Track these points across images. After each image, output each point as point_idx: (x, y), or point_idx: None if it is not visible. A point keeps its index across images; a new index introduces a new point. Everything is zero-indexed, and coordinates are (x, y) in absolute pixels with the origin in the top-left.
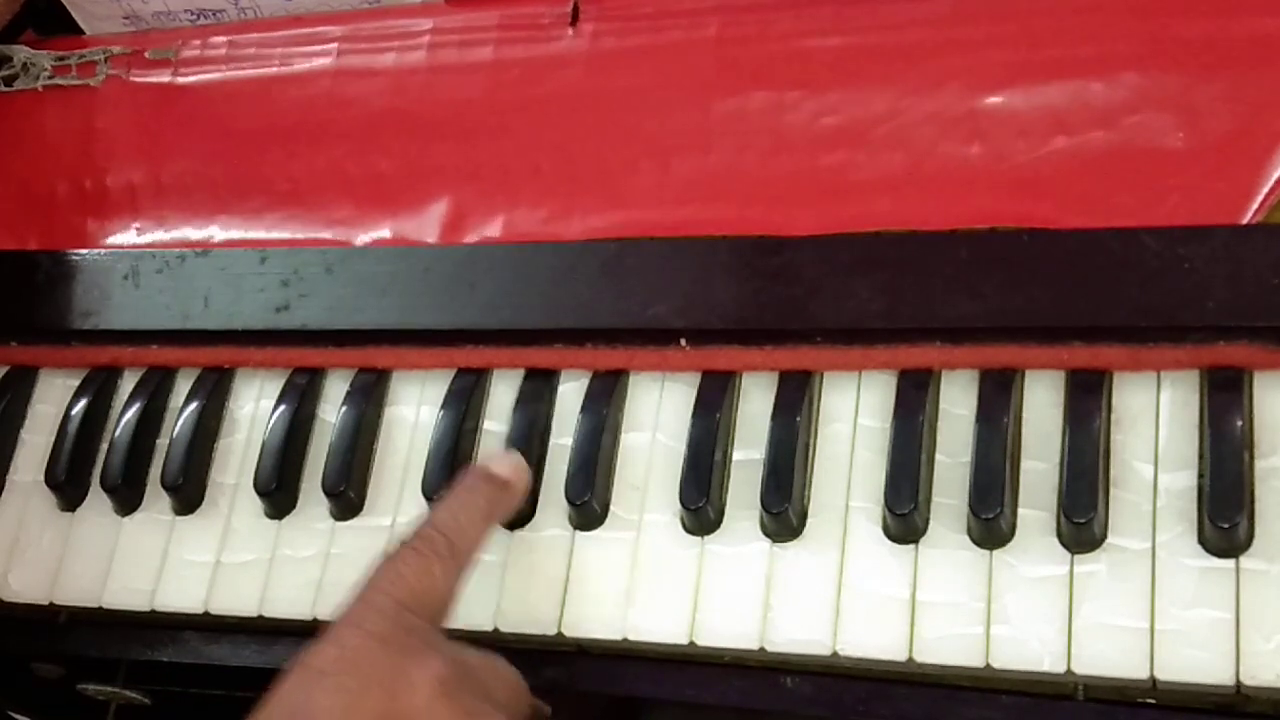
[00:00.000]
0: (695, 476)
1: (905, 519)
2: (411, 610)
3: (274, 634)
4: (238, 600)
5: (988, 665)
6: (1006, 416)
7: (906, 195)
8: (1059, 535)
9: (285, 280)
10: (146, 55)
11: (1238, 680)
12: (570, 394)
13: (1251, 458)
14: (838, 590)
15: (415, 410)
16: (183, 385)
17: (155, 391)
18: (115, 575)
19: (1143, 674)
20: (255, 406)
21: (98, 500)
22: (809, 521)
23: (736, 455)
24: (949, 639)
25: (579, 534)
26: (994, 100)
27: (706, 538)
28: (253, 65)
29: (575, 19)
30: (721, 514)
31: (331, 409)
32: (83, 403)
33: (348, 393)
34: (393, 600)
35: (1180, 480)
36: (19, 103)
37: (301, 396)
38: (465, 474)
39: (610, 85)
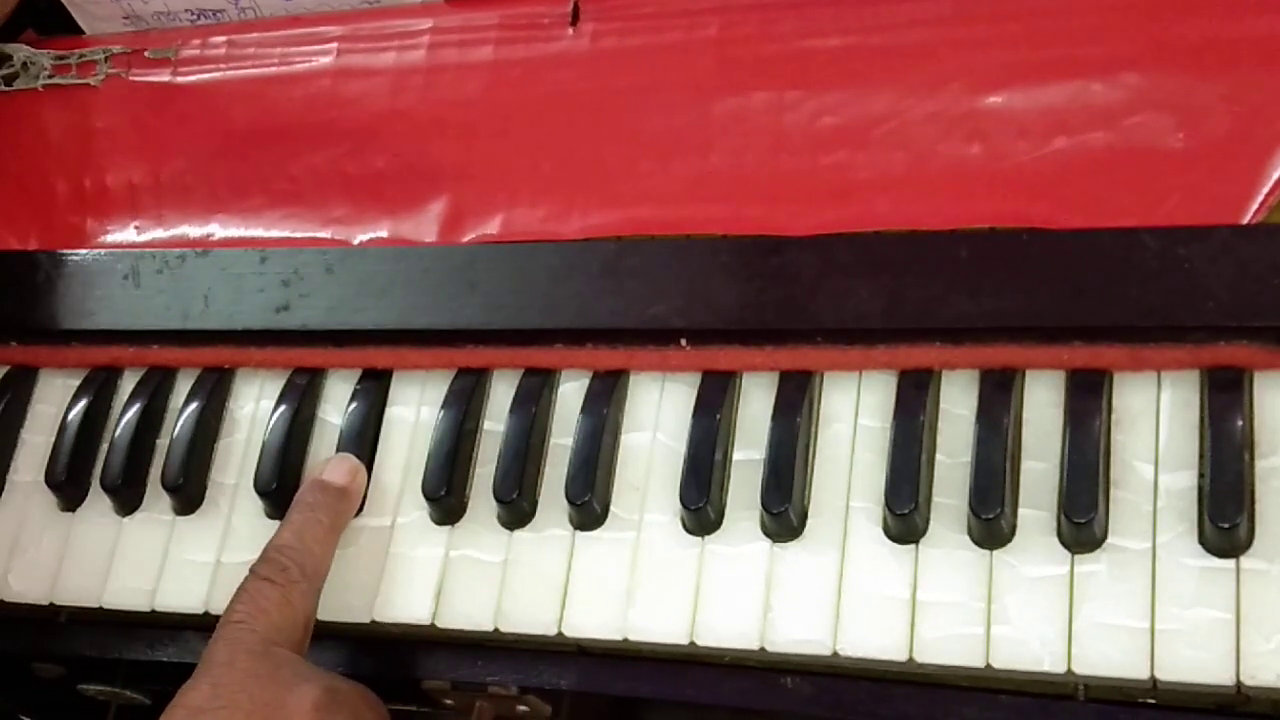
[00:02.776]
0: (695, 477)
1: (905, 519)
2: (277, 643)
3: None
4: None
5: (988, 665)
6: (1007, 416)
7: (907, 195)
8: (1059, 535)
9: (285, 280)
10: (146, 55)
11: (1238, 680)
12: (570, 394)
13: (1252, 458)
14: (838, 590)
15: (415, 410)
16: (183, 385)
17: (155, 391)
18: (115, 575)
19: (1143, 674)
20: (255, 406)
21: (98, 500)
22: (809, 522)
23: (737, 455)
24: (949, 639)
25: (579, 534)
26: (994, 100)
27: (707, 538)
28: (252, 65)
29: (575, 19)
30: (722, 514)
31: (332, 409)
32: (83, 403)
33: (348, 393)
34: (258, 636)
35: (1180, 480)
36: (19, 102)
37: (302, 397)
38: (303, 488)
39: (610, 85)
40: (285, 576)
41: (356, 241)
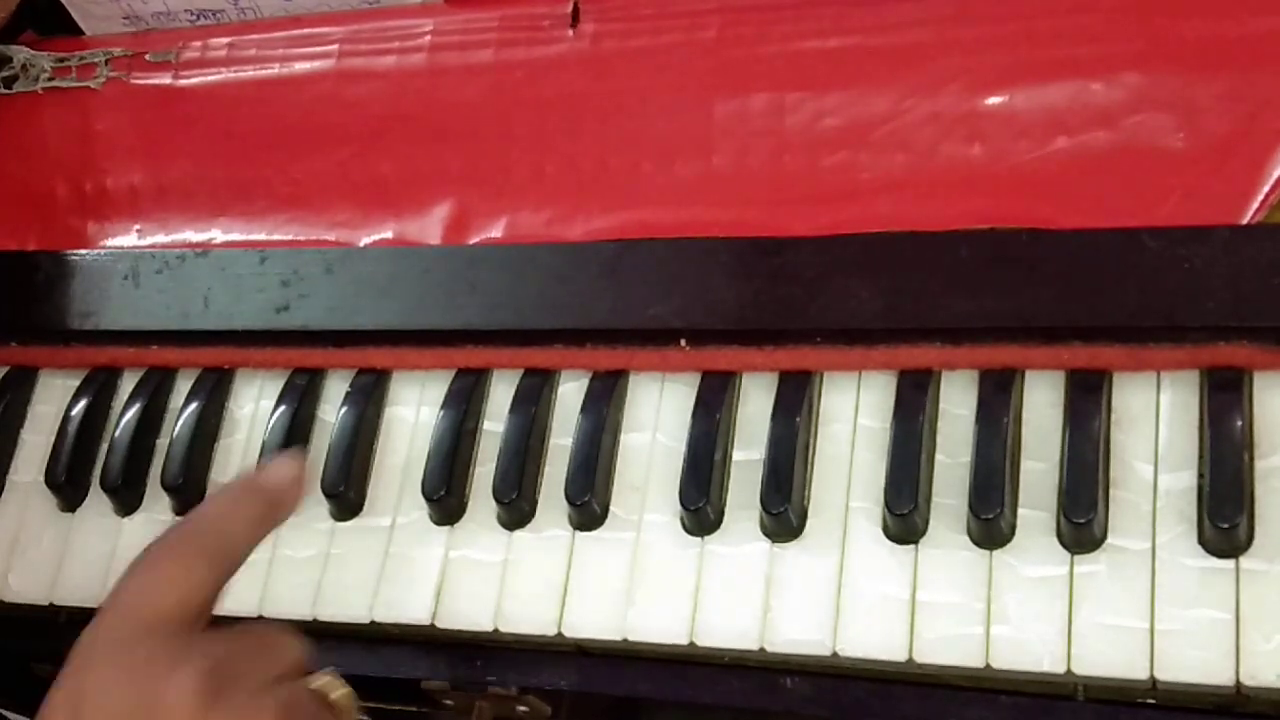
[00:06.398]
0: (695, 477)
1: (905, 519)
2: (160, 623)
3: None
4: (237, 601)
5: (988, 665)
6: (1006, 417)
7: (907, 196)
8: (1059, 535)
9: (285, 280)
10: (147, 57)
11: (1238, 680)
12: (570, 394)
13: (1251, 458)
14: (838, 590)
15: (415, 410)
16: (183, 385)
17: (155, 392)
18: (115, 576)
19: (1143, 674)
20: (255, 407)
21: (98, 501)
22: (809, 522)
23: (736, 455)
24: (949, 639)
25: (579, 534)
26: (994, 100)
27: (706, 538)
28: (253, 67)
29: (575, 20)
30: (721, 514)
31: (331, 409)
32: (82, 403)
33: (347, 393)
34: (136, 620)
35: (1180, 480)
36: (19, 104)
37: (301, 397)
38: (240, 476)
39: (611, 87)
40: (186, 553)
41: (360, 245)
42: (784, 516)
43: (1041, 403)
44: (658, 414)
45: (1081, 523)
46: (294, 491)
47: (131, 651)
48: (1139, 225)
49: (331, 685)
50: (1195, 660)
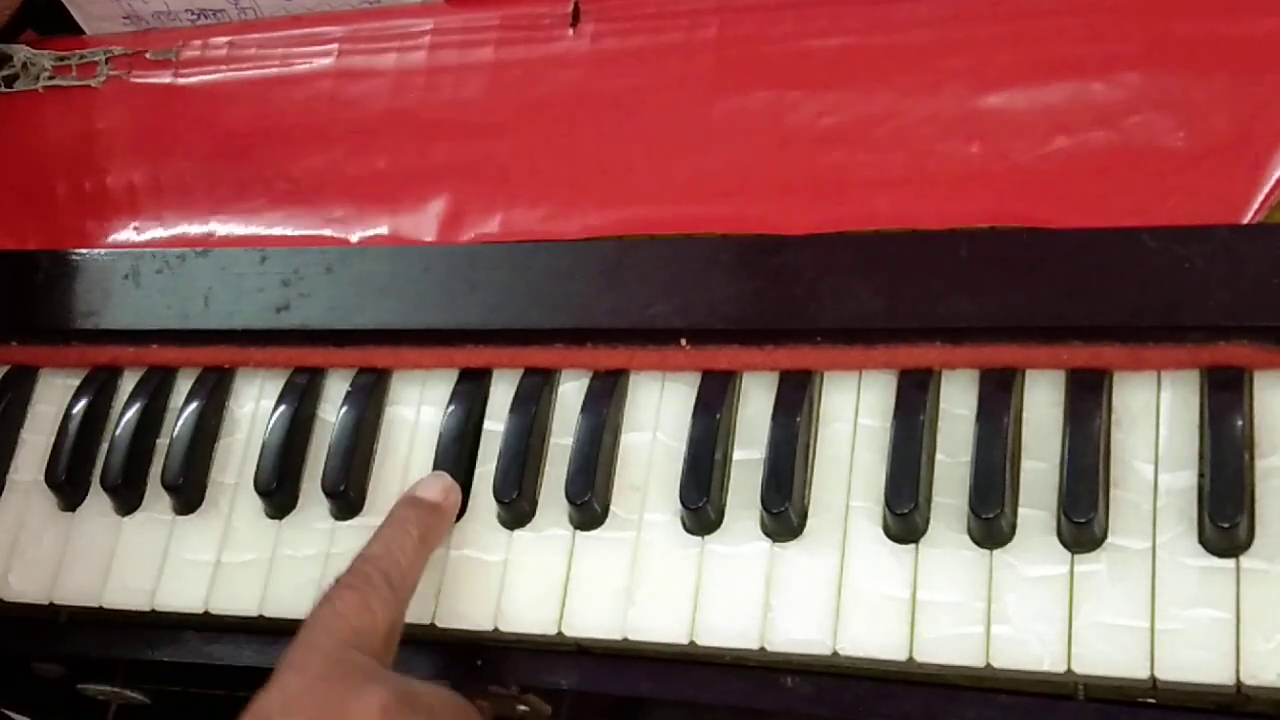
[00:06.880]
0: (695, 476)
1: (905, 519)
2: (353, 647)
3: (274, 634)
4: (238, 600)
5: (988, 665)
6: (1007, 416)
7: (907, 194)
8: (1059, 535)
9: (285, 280)
10: (147, 56)
11: (1238, 680)
12: (571, 394)
13: (1252, 457)
14: (838, 590)
15: (415, 410)
16: (183, 385)
17: (155, 391)
18: (115, 575)
19: (1143, 674)
20: (255, 406)
21: (98, 500)
22: (809, 521)
23: (737, 455)
24: (949, 639)
25: (579, 534)
26: (994, 100)
27: (707, 537)
28: (253, 66)
29: (575, 19)
30: (722, 514)
31: (332, 409)
32: (83, 402)
33: (348, 392)
34: (333, 640)
35: (1180, 480)
36: (19, 103)
37: (301, 396)
38: (396, 504)
39: (611, 85)
40: (367, 583)
41: (355, 240)
42: (784, 516)
43: (1041, 402)
44: (658, 413)
45: (1082, 522)
46: (447, 506)
47: (333, 662)
48: (1139, 225)
49: None
50: (1195, 660)
